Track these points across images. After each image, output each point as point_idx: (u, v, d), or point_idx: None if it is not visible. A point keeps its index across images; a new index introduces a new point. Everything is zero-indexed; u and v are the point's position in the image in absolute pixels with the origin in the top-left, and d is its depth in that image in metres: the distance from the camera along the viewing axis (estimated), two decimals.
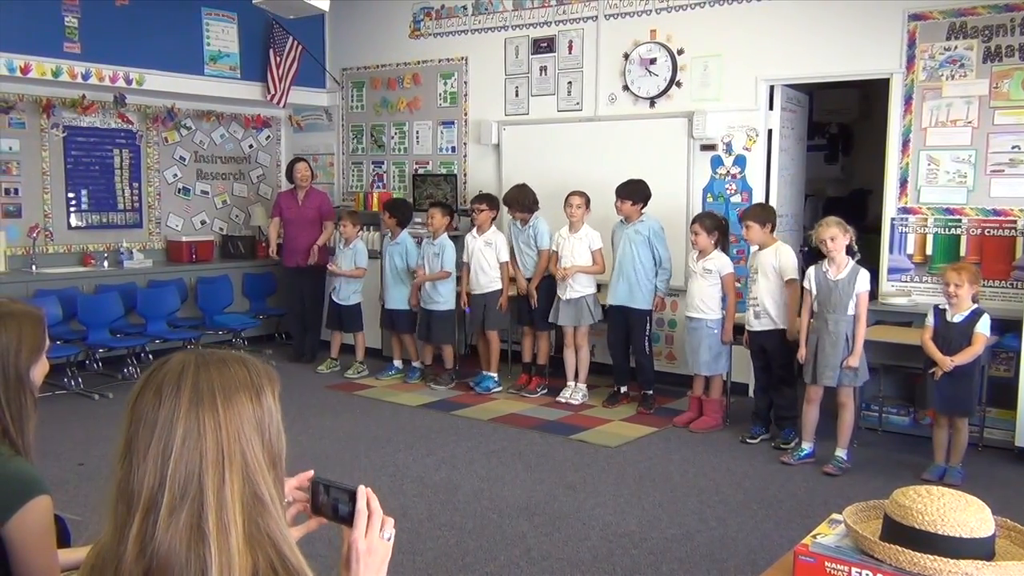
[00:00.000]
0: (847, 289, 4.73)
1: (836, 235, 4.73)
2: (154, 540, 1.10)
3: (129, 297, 7.03)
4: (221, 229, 8.40)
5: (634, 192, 5.91)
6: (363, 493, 1.32)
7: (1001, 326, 4.96)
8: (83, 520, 3.15)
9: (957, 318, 4.56)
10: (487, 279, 6.54)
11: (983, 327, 4.52)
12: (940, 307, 4.67)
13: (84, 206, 7.43)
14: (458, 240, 6.89)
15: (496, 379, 6.60)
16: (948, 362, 4.50)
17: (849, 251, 4.81)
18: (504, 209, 6.67)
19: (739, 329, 5.55)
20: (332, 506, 1.34)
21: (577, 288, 6.10)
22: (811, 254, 5.52)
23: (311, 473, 1.39)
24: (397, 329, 7.01)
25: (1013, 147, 5.29)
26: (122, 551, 1.11)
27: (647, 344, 6.02)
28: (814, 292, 4.87)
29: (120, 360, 6.95)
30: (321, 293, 7.64)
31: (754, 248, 5.41)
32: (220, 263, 8.07)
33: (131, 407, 1.17)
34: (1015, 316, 5.08)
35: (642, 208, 5.94)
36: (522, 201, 6.38)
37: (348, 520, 1.31)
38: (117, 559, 1.12)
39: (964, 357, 4.50)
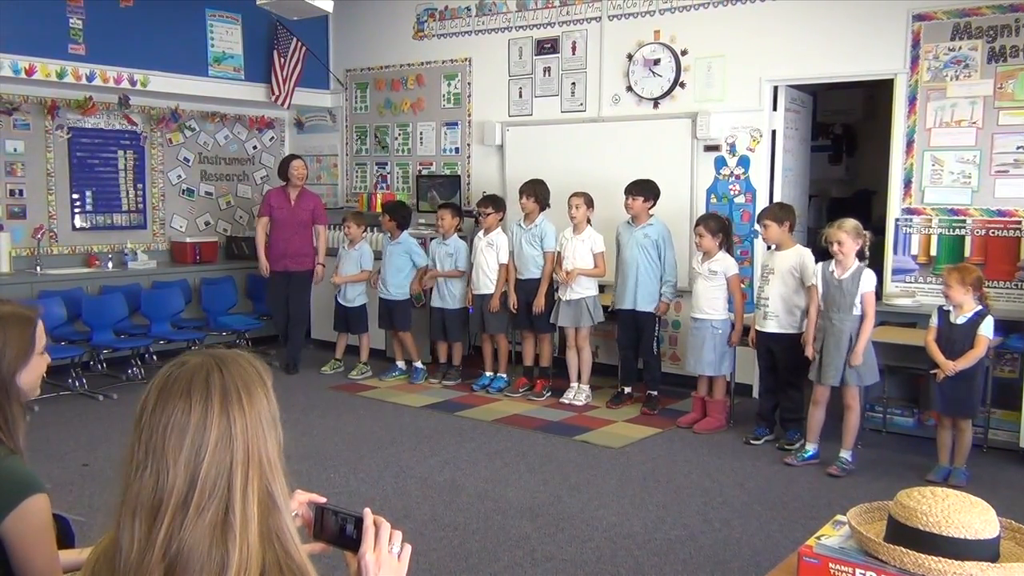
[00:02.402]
0: (851, 289, 4.72)
1: (844, 240, 4.72)
2: (179, 539, 1.11)
3: (133, 298, 7.05)
4: (225, 230, 8.41)
5: (646, 189, 5.90)
6: (370, 514, 1.32)
7: (1005, 327, 4.94)
8: (87, 521, 3.16)
9: (960, 319, 4.55)
10: (485, 280, 6.55)
11: (986, 329, 4.50)
12: (944, 308, 4.66)
13: (88, 207, 7.45)
14: (465, 241, 6.89)
15: (506, 379, 6.63)
16: (950, 366, 4.48)
17: (859, 255, 4.79)
18: (509, 210, 6.66)
19: (745, 330, 5.54)
20: (339, 527, 1.33)
21: (577, 290, 6.10)
22: (819, 253, 5.50)
23: (323, 499, 1.38)
24: (396, 325, 6.94)
25: (1018, 147, 5.28)
26: (148, 558, 1.11)
27: (655, 345, 6.02)
28: (820, 290, 4.87)
29: (124, 361, 6.95)
30: (307, 301, 7.53)
31: (772, 248, 5.39)
32: (224, 264, 8.08)
33: (150, 416, 1.15)
34: (1020, 317, 5.08)
35: (651, 207, 5.93)
36: (538, 191, 6.34)
37: (353, 543, 1.30)
38: (140, 559, 1.12)
39: (966, 362, 4.47)
